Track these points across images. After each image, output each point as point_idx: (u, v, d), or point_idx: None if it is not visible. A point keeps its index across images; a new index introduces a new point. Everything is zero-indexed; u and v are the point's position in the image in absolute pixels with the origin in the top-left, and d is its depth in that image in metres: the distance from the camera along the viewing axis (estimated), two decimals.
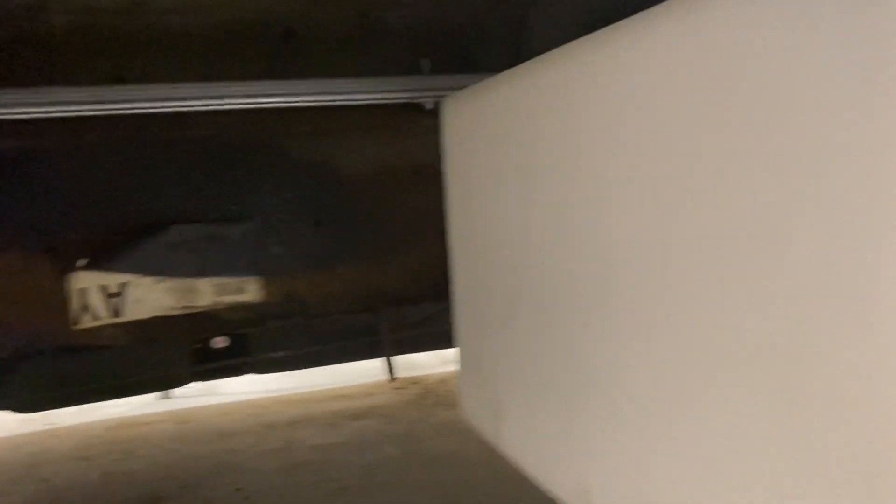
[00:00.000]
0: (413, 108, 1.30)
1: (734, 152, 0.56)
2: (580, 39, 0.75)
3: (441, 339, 1.18)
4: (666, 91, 0.62)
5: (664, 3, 0.62)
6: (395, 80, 1.23)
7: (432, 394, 3.37)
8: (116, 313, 1.17)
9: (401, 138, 1.29)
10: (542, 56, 0.83)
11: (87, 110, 1.02)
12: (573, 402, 0.80)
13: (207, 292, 1.23)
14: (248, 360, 1.33)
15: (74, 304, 1.16)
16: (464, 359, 1.12)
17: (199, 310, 1.23)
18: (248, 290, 1.24)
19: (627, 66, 0.67)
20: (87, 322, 1.17)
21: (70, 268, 1.17)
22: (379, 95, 1.21)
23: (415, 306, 1.29)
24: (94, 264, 1.18)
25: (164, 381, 1.39)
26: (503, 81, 0.92)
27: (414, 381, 3.43)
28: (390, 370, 1.40)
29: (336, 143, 1.31)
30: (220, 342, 1.33)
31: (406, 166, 1.24)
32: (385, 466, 2.91)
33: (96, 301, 1.16)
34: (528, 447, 0.94)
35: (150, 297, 1.19)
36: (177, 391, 4.27)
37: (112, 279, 1.17)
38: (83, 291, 1.16)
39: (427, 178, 1.20)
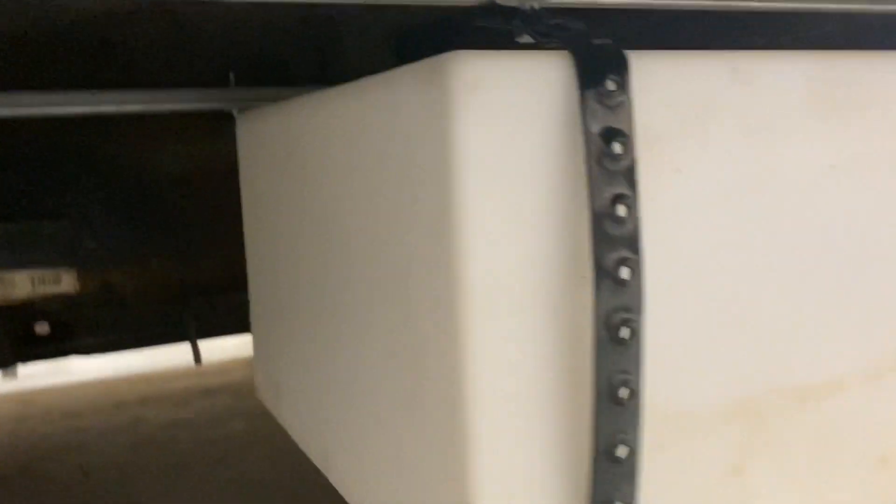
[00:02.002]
0: (227, 115, 1.42)
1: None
2: (325, 91, 0.91)
3: (247, 325, 1.32)
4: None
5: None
6: (204, 92, 1.34)
7: None
8: None
9: (215, 142, 1.41)
10: (314, 93, 0.98)
11: None
12: (319, 383, 0.98)
13: (25, 284, 1.32)
14: (68, 344, 1.43)
15: None
16: (256, 344, 1.28)
17: (17, 300, 1.32)
18: (64, 282, 1.35)
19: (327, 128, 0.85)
20: None
21: None
22: (188, 105, 1.32)
23: (223, 296, 1.43)
24: None
25: None
26: (282, 106, 1.08)
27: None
28: (196, 355, 1.54)
29: (152, 146, 1.42)
30: (42, 328, 1.42)
31: (220, 168, 1.36)
32: (229, 441, 3.02)
33: None
34: (295, 423, 1.12)
35: None
36: (22, 372, 4.18)
37: None
38: None
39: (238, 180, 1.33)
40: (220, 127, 1.41)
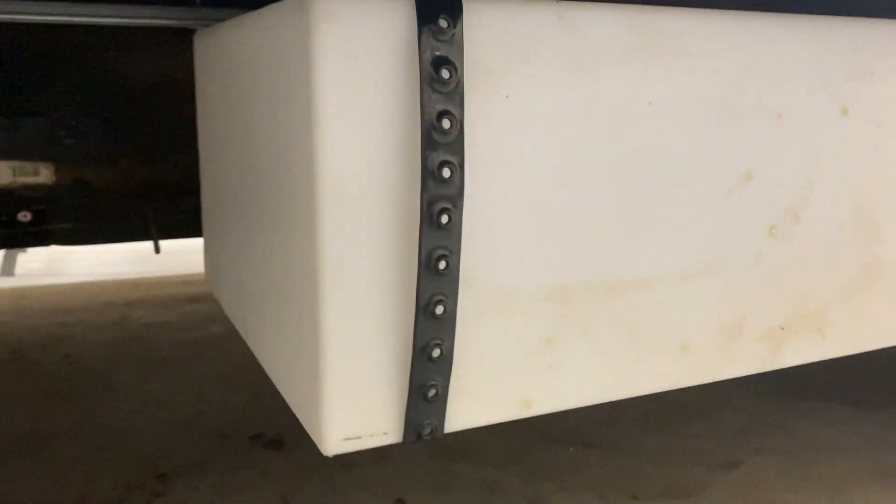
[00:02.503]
0: (193, 31, 1.57)
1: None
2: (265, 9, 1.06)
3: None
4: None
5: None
6: (171, 9, 1.48)
7: None
8: None
9: (183, 56, 1.56)
10: (243, 15, 1.14)
11: None
12: (242, 266, 1.18)
13: (6, 173, 1.50)
14: (46, 231, 1.62)
15: None
16: (205, 239, 1.47)
17: None
18: (42, 174, 1.52)
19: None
20: None
21: None
22: (156, 21, 1.47)
23: (184, 197, 1.61)
24: None
25: None
26: (222, 27, 1.24)
27: None
28: (156, 247, 1.73)
29: (125, 56, 1.58)
30: (25, 216, 1.61)
31: (187, 79, 1.52)
32: (206, 342, 3.25)
33: None
34: (227, 300, 1.31)
35: None
36: (20, 271, 4.41)
37: None
38: None
39: None
40: (189, 42, 1.56)
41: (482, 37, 0.82)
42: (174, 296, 3.90)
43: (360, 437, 0.85)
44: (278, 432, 2.22)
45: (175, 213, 1.62)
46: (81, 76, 1.57)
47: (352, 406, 0.84)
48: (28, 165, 1.52)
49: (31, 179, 1.54)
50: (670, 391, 1.01)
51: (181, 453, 2.09)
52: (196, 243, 1.58)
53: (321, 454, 0.85)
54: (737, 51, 0.97)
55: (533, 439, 2.24)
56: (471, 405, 0.90)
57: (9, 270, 4.21)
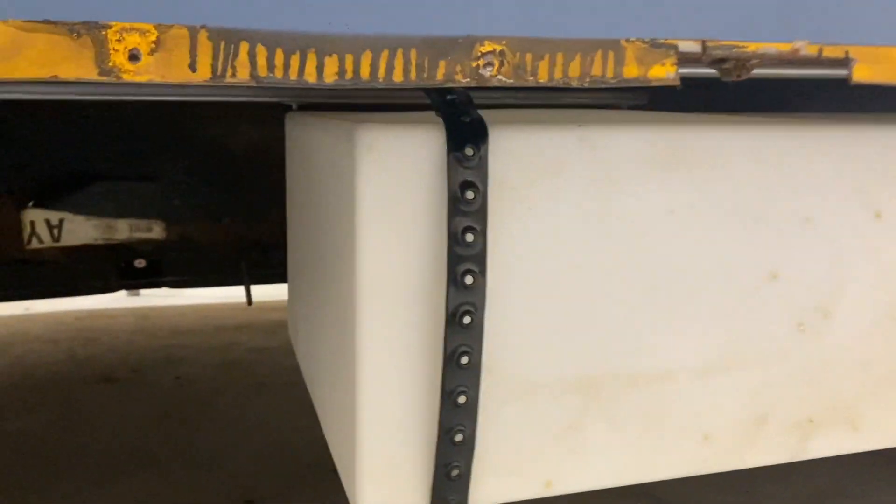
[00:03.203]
0: (288, 107, 1.74)
1: None
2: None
3: None
4: None
5: None
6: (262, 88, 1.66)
7: None
8: (56, 240, 1.67)
9: (279, 126, 1.74)
10: (319, 113, 1.28)
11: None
12: (310, 329, 1.32)
13: (124, 229, 1.72)
14: (156, 279, 1.83)
15: (26, 231, 1.66)
16: (289, 293, 1.63)
17: (117, 241, 1.72)
18: (154, 230, 1.74)
19: None
20: (35, 245, 1.66)
21: (24, 206, 1.67)
22: (259, 98, 1.64)
23: (275, 251, 1.78)
24: (41, 204, 1.67)
25: (97, 288, 1.89)
26: (304, 117, 1.39)
27: None
28: (248, 297, 1.91)
29: (228, 126, 1.77)
30: (140, 263, 1.82)
31: (281, 145, 1.69)
32: None
33: (42, 230, 1.66)
34: (301, 356, 1.46)
35: (80, 229, 1.68)
36: (143, 292, 4.79)
37: (53, 215, 1.67)
38: (32, 223, 1.66)
39: None
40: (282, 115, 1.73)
41: (507, 158, 0.92)
42: (279, 322, 4.14)
43: None
44: None
45: (264, 263, 1.79)
46: (189, 145, 1.77)
47: (383, 481, 0.95)
48: (143, 223, 1.74)
49: (144, 234, 1.75)
50: None
51: (269, 481, 2.27)
52: None
53: None
54: (761, 160, 1.03)
55: (607, 491, 2.29)
56: (494, 484, 1.00)
57: (133, 292, 4.57)
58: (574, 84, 0.83)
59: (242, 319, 4.26)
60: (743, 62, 0.84)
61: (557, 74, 0.82)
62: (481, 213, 0.90)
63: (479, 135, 0.89)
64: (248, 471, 2.37)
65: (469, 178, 0.89)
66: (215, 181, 1.79)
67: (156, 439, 2.59)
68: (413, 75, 0.81)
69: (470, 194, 0.89)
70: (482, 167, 0.90)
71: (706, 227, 1.03)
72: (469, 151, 0.89)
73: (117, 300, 4.75)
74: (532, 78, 0.82)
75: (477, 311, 0.92)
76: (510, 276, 0.96)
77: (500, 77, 0.82)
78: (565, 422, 1.02)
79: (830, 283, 1.09)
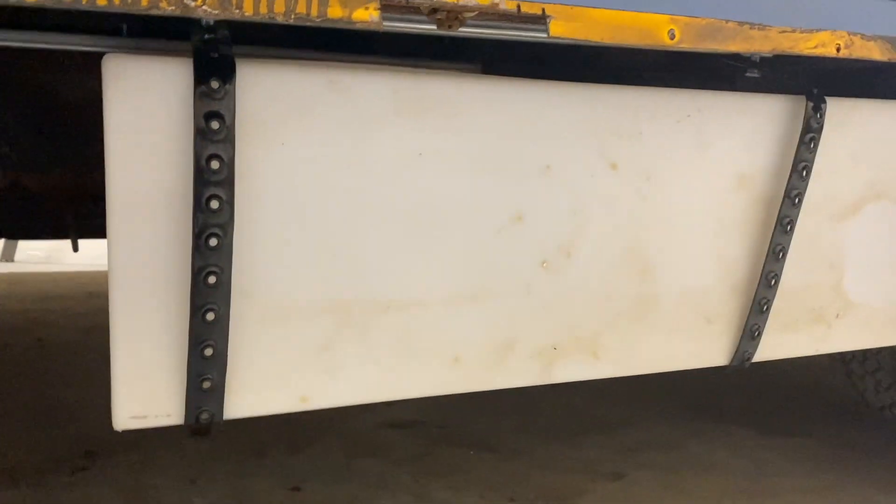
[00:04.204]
0: None
1: None
2: None
3: None
4: None
5: None
6: (94, 38, 1.68)
7: None
8: None
9: None
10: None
11: None
12: None
13: None
14: None
15: None
16: None
17: None
18: None
19: None
20: None
21: None
22: (84, 47, 1.67)
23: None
24: None
25: None
26: None
27: None
28: (75, 246, 1.95)
29: (60, 75, 1.79)
30: None
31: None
32: None
33: None
34: None
35: None
36: (19, 257, 4.68)
37: None
38: None
39: None
40: None
41: (257, 94, 1.01)
42: None
43: (145, 417, 1.04)
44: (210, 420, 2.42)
45: (99, 217, 1.82)
46: (19, 94, 1.78)
47: (138, 391, 1.03)
48: None
49: None
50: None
51: (113, 433, 2.31)
52: None
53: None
54: (503, 111, 1.14)
55: (440, 442, 2.42)
56: (249, 397, 1.09)
57: (9, 256, 4.47)
58: (280, 20, 0.91)
59: None
60: (455, 14, 0.94)
61: (263, 9, 0.90)
62: (228, 143, 0.99)
63: (225, 70, 0.98)
64: (95, 425, 2.39)
65: (215, 109, 0.98)
66: (46, 130, 1.81)
67: (6, 394, 2.58)
68: (118, 0, 0.88)
69: (215, 124, 0.97)
70: (229, 101, 0.98)
71: (453, 169, 1.14)
72: (215, 84, 0.97)
73: None
74: (238, 11, 0.90)
75: (226, 235, 1.00)
76: (263, 206, 1.05)
77: (204, 7, 0.90)
78: (319, 342, 1.11)
79: (571, 225, 1.22)
